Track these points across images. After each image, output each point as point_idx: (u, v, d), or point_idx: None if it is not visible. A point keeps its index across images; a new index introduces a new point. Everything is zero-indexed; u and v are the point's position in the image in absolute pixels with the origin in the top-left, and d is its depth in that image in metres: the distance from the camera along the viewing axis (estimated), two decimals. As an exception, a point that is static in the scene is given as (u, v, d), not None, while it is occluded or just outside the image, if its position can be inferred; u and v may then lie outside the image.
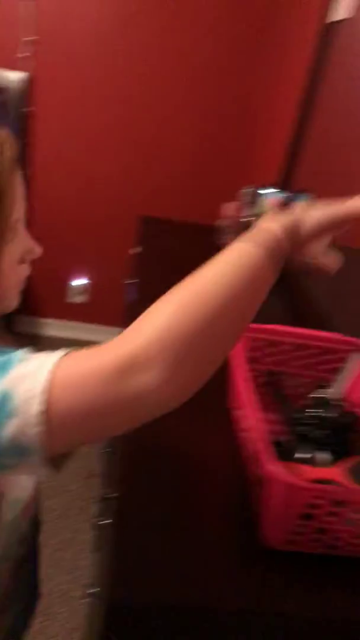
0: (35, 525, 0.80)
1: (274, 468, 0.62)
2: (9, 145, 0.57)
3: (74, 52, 2.34)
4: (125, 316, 1.28)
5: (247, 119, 2.47)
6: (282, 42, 2.15)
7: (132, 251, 1.78)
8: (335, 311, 1.33)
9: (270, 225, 0.57)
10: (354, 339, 0.95)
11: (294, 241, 0.58)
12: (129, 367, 0.45)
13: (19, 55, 2.25)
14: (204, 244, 1.90)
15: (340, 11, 1.43)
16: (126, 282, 1.64)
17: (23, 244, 0.62)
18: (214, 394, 0.91)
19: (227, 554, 0.69)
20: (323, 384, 0.94)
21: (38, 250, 0.63)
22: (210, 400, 0.97)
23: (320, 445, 0.75)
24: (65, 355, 0.47)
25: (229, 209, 1.85)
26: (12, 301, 0.63)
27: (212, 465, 0.85)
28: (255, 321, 0.87)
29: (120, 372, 0.45)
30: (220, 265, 0.55)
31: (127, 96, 2.44)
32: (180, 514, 0.74)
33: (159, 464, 0.82)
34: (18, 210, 0.59)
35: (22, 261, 0.63)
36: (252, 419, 0.73)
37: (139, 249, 1.67)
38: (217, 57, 2.39)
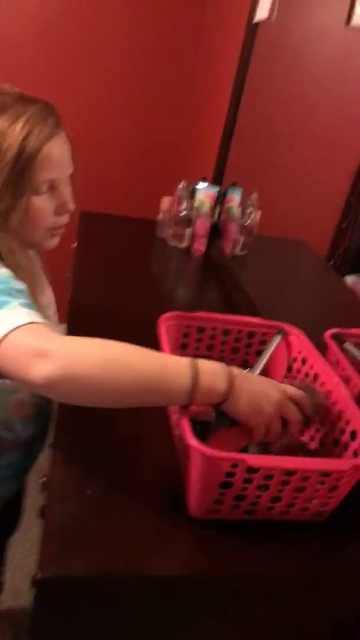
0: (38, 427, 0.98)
1: (193, 441, 0.68)
2: (46, 114, 0.77)
3: (7, 47, 2.32)
4: (68, 309, 1.31)
5: (184, 116, 2.53)
6: (215, 42, 2.21)
7: (73, 246, 1.80)
8: (262, 298, 1.41)
9: (218, 383, 0.69)
10: (274, 322, 1.02)
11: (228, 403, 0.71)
12: (43, 356, 0.64)
13: None
14: (143, 237, 1.94)
15: (260, 12, 1.50)
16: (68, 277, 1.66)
17: (59, 200, 0.82)
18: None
19: (155, 524, 0.74)
20: (248, 366, 1.00)
21: (71, 206, 0.84)
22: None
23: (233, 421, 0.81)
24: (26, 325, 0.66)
25: (166, 203, 1.90)
26: (49, 242, 0.86)
27: (147, 442, 0.90)
28: (188, 309, 0.92)
29: (36, 355, 0.64)
30: (152, 363, 0.69)
31: (65, 92, 2.43)
32: (113, 488, 0.78)
33: (95, 439, 0.87)
34: (53, 171, 0.79)
35: (57, 213, 0.83)
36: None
37: (76, 244, 1.70)
38: (154, 56, 2.43)
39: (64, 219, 0.86)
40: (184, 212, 1.81)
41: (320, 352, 0.95)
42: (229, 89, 1.82)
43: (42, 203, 0.80)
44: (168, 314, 0.97)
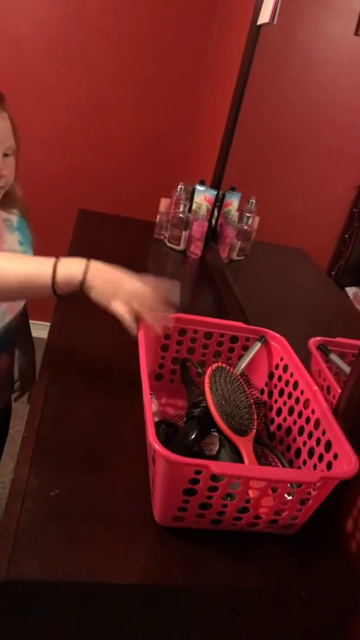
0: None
1: (157, 445, 0.65)
2: None
3: (16, 46, 2.32)
4: (55, 307, 1.29)
5: (185, 118, 2.52)
6: (219, 46, 2.20)
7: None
8: (253, 304, 1.38)
9: (75, 273, 0.83)
10: (256, 328, 0.99)
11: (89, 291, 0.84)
12: None
13: None
14: (140, 238, 1.92)
15: (262, 16, 1.49)
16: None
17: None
18: (128, 380, 0.94)
19: (118, 530, 0.71)
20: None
21: (4, 172, 1.01)
22: (124, 386, 0.99)
23: (204, 427, 0.79)
24: None
25: (164, 205, 1.88)
26: None
27: (120, 446, 0.87)
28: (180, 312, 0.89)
29: None
30: (19, 265, 0.85)
31: (66, 94, 2.44)
32: (80, 491, 0.76)
33: (65, 440, 0.84)
34: None
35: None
36: (145, 402, 0.76)
37: (74, 243, 1.68)
38: (156, 59, 2.43)
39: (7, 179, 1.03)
40: (182, 214, 1.79)
41: (305, 360, 0.92)
42: (230, 92, 1.81)
43: None
44: (148, 314, 0.95)
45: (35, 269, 0.83)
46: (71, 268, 0.83)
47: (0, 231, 1.09)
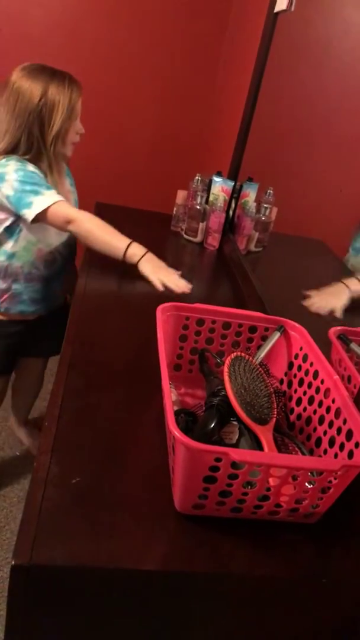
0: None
1: (178, 432, 0.65)
2: (73, 80, 1.44)
3: (35, 40, 2.33)
4: (74, 298, 1.30)
5: (202, 109, 2.50)
6: (236, 36, 2.18)
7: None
8: (272, 295, 1.37)
9: (136, 254, 1.46)
10: (275, 317, 0.99)
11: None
12: (71, 222, 1.42)
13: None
14: (157, 230, 1.92)
15: (280, 3, 1.47)
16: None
17: (79, 127, 1.48)
18: (152, 370, 0.94)
19: (139, 517, 0.72)
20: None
21: (83, 130, 1.50)
22: (148, 376, 1.00)
23: (223, 415, 0.79)
24: (60, 201, 1.40)
25: (181, 197, 1.88)
26: (71, 151, 1.52)
27: (140, 434, 0.88)
28: (190, 301, 0.91)
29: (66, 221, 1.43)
30: (114, 236, 1.48)
31: (86, 87, 2.44)
32: (101, 478, 0.76)
33: (84, 434, 0.85)
34: (80, 111, 1.47)
35: (76, 134, 1.49)
36: (164, 391, 0.76)
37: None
38: (174, 51, 2.41)
39: (78, 138, 1.50)
40: (199, 206, 1.79)
41: (325, 350, 0.92)
42: (248, 82, 1.79)
43: (76, 129, 1.47)
44: (166, 305, 0.95)
45: (116, 242, 1.46)
46: (136, 250, 1.45)
47: (62, 176, 1.57)
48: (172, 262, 1.80)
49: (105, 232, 1.44)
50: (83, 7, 2.32)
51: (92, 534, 0.68)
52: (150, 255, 1.45)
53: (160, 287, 1.40)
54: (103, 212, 1.88)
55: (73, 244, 1.62)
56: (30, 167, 1.40)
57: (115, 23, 2.35)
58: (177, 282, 1.42)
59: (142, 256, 1.43)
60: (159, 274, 1.43)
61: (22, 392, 1.96)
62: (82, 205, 1.60)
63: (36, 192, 1.36)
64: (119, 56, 2.41)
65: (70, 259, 1.65)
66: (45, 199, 1.36)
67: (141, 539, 0.69)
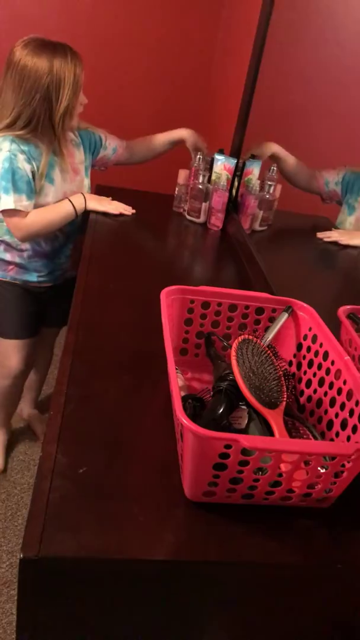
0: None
1: (186, 420, 0.63)
2: (75, 53, 1.44)
3: (29, 19, 2.27)
4: (77, 284, 1.27)
5: (202, 85, 2.44)
6: (235, 9, 2.11)
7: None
8: (278, 275, 1.34)
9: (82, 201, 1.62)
10: (283, 298, 0.96)
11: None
12: (19, 229, 1.53)
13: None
14: (159, 212, 1.89)
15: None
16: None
17: (83, 98, 1.50)
18: (157, 355, 0.92)
19: (148, 506, 0.70)
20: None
21: (86, 100, 1.52)
22: (154, 361, 0.98)
23: (232, 400, 0.77)
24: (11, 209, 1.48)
25: (183, 176, 1.84)
26: (77, 122, 1.57)
27: (147, 422, 0.86)
28: (194, 283, 0.89)
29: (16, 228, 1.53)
30: (52, 211, 1.57)
31: (86, 72, 2.39)
32: (108, 467, 0.75)
33: (90, 422, 0.83)
34: (82, 83, 1.46)
35: (80, 105, 1.51)
36: (171, 376, 0.74)
37: (92, 221, 1.66)
38: (172, 25, 2.34)
39: (82, 108, 1.52)
40: (201, 185, 1.75)
41: (335, 330, 0.89)
42: (248, 56, 1.73)
43: (80, 100, 1.49)
44: (171, 288, 0.93)
45: (61, 211, 1.57)
46: (79, 199, 1.60)
47: (70, 149, 1.61)
48: (175, 243, 1.78)
49: (46, 212, 1.53)
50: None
51: (100, 524, 0.67)
52: (89, 195, 1.65)
53: (116, 212, 1.70)
54: (103, 195, 1.84)
55: (76, 220, 1.65)
56: (19, 160, 1.43)
57: (108, 1, 2.28)
58: (124, 207, 1.74)
59: (85, 200, 1.61)
60: (106, 205, 1.69)
61: (36, 365, 1.97)
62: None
63: (6, 191, 1.43)
64: (116, 32, 2.35)
65: (72, 234, 1.70)
66: (7, 202, 1.44)
67: (151, 528, 0.68)
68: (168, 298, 0.92)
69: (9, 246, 1.60)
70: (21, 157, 1.43)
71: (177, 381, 0.71)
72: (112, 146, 1.75)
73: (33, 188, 1.49)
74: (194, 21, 2.34)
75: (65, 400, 0.86)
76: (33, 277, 1.67)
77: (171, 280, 1.08)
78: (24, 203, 1.47)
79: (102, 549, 0.64)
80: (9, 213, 1.47)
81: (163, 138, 1.81)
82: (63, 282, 1.75)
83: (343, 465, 0.67)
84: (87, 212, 1.66)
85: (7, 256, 1.62)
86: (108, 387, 0.92)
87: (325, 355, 0.85)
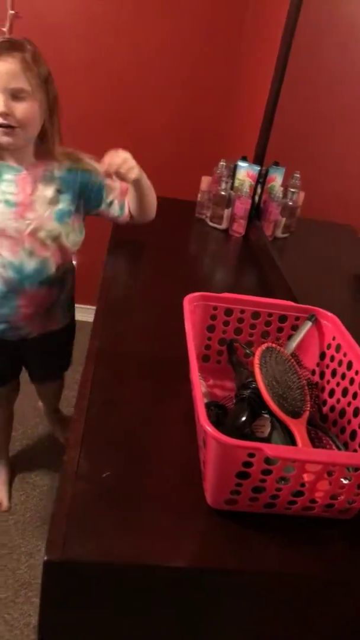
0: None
1: (209, 427, 0.64)
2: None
3: (55, 27, 2.30)
4: (99, 291, 1.29)
5: (225, 93, 2.45)
6: (259, 16, 2.11)
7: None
8: (301, 283, 1.34)
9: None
10: (306, 306, 0.96)
11: None
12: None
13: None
14: (182, 218, 1.90)
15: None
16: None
17: None
18: (179, 362, 0.92)
19: (170, 512, 0.71)
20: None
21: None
22: (175, 368, 0.98)
23: (255, 408, 0.77)
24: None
25: (206, 183, 1.84)
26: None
27: (169, 428, 0.87)
28: (216, 290, 0.89)
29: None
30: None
31: (109, 77, 2.41)
32: (129, 477, 0.75)
33: (112, 428, 0.84)
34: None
35: None
36: (194, 383, 0.74)
37: (114, 226, 1.67)
38: (195, 32, 2.36)
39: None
40: (224, 191, 1.75)
41: (359, 340, 0.88)
42: (273, 62, 1.73)
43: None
44: (194, 295, 0.93)
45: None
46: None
47: (35, 182, 1.21)
48: (197, 250, 1.78)
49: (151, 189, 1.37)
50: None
51: (122, 529, 0.67)
52: None
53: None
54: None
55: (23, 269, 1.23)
56: None
57: (134, 5, 2.30)
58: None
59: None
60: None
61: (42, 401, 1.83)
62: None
63: None
64: (137, 38, 2.36)
65: (18, 284, 1.25)
66: None
67: (172, 535, 0.68)
68: (191, 304, 0.92)
69: None
70: None
71: (200, 388, 0.71)
72: (114, 201, 1.34)
73: None
74: (218, 27, 2.35)
75: (88, 404, 0.87)
76: None
77: (193, 286, 1.09)
78: None
79: (124, 553, 0.65)
80: None
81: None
82: (38, 336, 1.40)
83: (367, 477, 0.67)
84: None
85: None
86: (130, 392, 0.93)
87: (349, 364, 0.85)
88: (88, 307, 2.48)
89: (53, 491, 1.83)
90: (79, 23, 2.33)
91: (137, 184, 1.26)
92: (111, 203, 1.34)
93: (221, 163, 1.79)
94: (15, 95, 1.07)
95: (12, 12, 2.18)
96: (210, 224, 1.82)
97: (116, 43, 2.36)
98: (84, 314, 2.16)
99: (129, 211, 1.36)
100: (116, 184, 1.32)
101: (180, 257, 1.65)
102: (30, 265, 1.22)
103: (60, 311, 1.40)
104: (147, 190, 1.32)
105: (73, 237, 1.27)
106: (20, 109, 1.08)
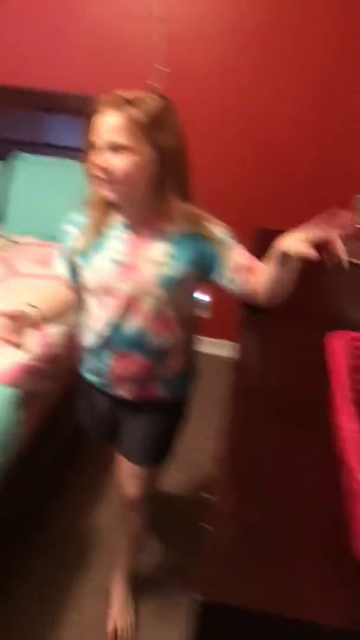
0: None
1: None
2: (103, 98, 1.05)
3: (201, 80, 2.43)
4: (240, 328, 1.31)
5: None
6: None
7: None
8: None
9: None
10: None
11: None
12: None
13: (150, 82, 2.29)
14: (319, 252, 1.85)
15: None
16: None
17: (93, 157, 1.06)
18: (320, 404, 0.91)
19: (319, 565, 0.68)
20: None
21: (100, 165, 1.04)
22: (315, 410, 0.96)
23: None
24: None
25: (343, 216, 1.79)
26: (96, 187, 1.09)
27: (313, 474, 0.84)
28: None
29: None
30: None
31: (240, 105, 2.47)
32: (274, 521, 0.74)
33: (257, 470, 0.84)
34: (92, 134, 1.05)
35: (93, 164, 1.06)
36: (346, 429, 0.71)
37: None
38: (335, 67, 2.35)
39: (98, 173, 1.05)
40: (361, 225, 1.69)
41: None
42: None
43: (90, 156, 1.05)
44: (338, 333, 0.91)
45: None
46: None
47: (145, 242, 1.12)
48: (333, 285, 1.73)
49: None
50: (242, 43, 2.35)
51: (269, 576, 0.67)
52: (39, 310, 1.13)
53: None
54: (264, 239, 1.87)
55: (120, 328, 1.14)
56: (69, 225, 1.20)
57: (265, 31, 2.33)
58: (8, 337, 1.05)
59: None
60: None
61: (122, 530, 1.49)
62: (240, 232, 1.43)
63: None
64: (273, 69, 2.39)
65: (113, 340, 1.17)
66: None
67: (320, 588, 0.66)
68: (333, 343, 0.89)
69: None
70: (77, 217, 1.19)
71: (353, 436, 0.68)
72: (228, 276, 1.13)
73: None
74: (356, 48, 2.31)
75: (230, 445, 0.87)
76: (86, 372, 1.29)
77: (331, 323, 1.06)
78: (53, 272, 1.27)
79: (272, 604, 0.64)
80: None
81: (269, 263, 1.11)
82: (133, 400, 1.24)
83: None
84: None
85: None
86: (271, 433, 0.92)
87: None
88: (213, 339, 2.52)
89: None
90: (224, 76, 2.42)
91: (288, 260, 1.04)
92: (232, 280, 1.13)
93: (358, 196, 1.74)
94: (115, 149, 1.02)
95: (159, 68, 2.30)
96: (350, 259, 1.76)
97: (259, 87, 2.41)
98: (211, 347, 2.17)
99: (254, 290, 1.12)
100: (243, 259, 1.15)
101: (316, 293, 1.61)
102: (127, 328, 1.13)
103: (159, 385, 1.22)
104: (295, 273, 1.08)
105: (182, 308, 1.15)
106: (118, 164, 1.03)
